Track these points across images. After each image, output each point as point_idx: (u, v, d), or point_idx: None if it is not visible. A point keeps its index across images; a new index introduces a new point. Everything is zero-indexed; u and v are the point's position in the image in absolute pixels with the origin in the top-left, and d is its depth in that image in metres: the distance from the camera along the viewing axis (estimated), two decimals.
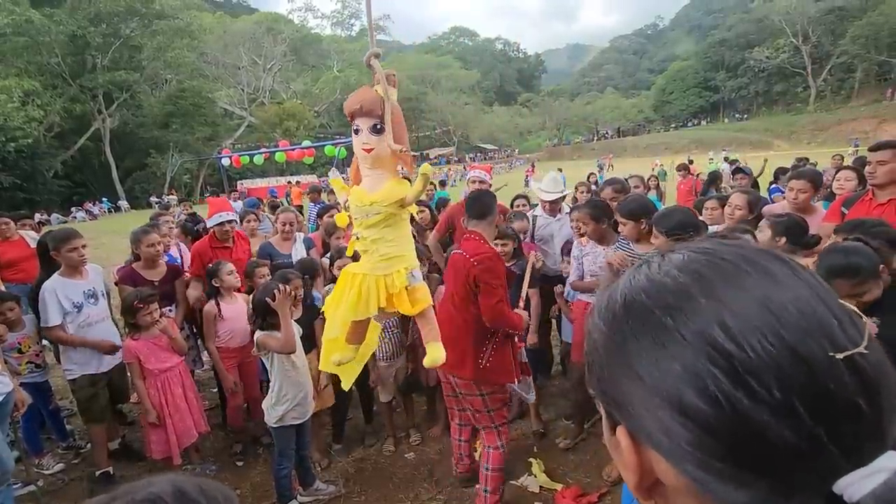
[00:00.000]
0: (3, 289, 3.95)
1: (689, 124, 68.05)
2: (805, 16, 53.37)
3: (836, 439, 0.34)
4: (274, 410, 2.78)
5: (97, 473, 3.25)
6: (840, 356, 0.35)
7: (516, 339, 2.75)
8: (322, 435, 3.49)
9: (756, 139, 49.89)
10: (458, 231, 4.11)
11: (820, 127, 49.25)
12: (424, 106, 62.37)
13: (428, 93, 63.63)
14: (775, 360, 0.34)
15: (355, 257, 2.12)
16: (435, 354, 1.93)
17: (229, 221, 3.89)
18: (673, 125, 69.38)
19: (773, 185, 6.69)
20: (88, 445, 3.64)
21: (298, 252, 4.16)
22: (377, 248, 1.90)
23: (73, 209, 31.31)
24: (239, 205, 7.73)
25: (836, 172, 3.84)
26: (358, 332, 2.09)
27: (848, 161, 7.96)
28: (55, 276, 3.22)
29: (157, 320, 3.13)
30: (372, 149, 1.83)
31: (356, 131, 1.85)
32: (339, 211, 4.91)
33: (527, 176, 22.30)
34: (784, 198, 3.80)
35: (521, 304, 2.87)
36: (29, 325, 3.40)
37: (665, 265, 0.43)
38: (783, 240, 2.94)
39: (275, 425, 2.80)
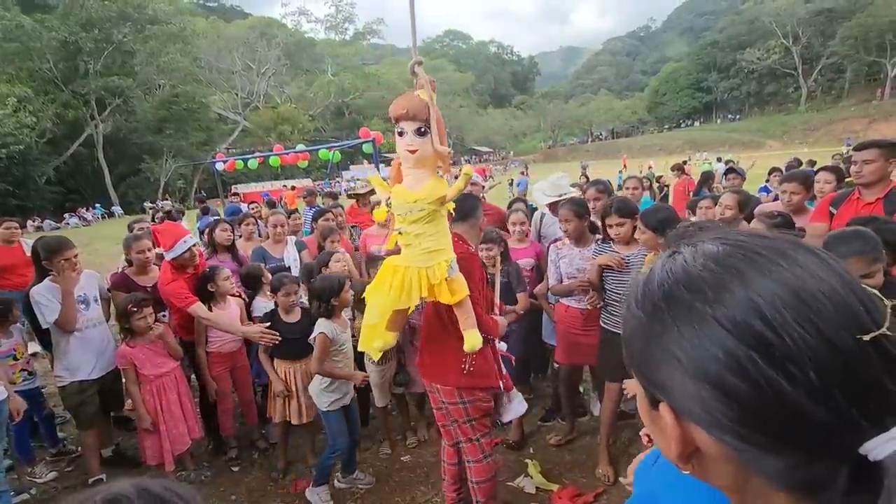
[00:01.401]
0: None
1: (683, 125, 68.52)
2: (795, 17, 53.94)
3: (867, 415, 0.37)
4: (323, 395, 2.92)
5: (90, 481, 3.22)
6: (867, 338, 0.38)
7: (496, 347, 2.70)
8: (318, 438, 3.47)
9: (749, 139, 50.31)
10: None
11: (811, 127, 49.72)
12: None
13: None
14: (812, 348, 0.37)
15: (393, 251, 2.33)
16: (473, 340, 2.12)
17: (194, 245, 3.44)
18: (667, 126, 69.85)
19: (764, 185, 6.74)
20: (80, 449, 3.60)
21: (290, 255, 4.16)
22: (419, 242, 2.03)
23: (66, 215, 31.09)
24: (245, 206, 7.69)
25: (815, 173, 3.84)
26: (398, 320, 2.27)
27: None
28: (46, 280, 3.19)
29: (152, 325, 3.11)
30: (416, 150, 1.95)
31: (400, 133, 1.96)
32: (337, 216, 4.93)
33: (511, 180, 22.23)
34: (770, 197, 3.85)
35: (497, 310, 2.84)
36: (17, 334, 3.38)
37: (699, 257, 0.45)
38: (743, 215, 3.24)
39: (325, 409, 2.93)
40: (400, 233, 2.07)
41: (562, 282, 3.23)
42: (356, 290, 3.13)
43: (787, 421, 0.38)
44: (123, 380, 3.58)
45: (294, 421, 3.22)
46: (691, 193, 7.13)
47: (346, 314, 3.22)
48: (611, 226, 2.89)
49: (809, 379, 0.37)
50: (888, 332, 0.38)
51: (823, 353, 0.37)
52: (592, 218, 3.42)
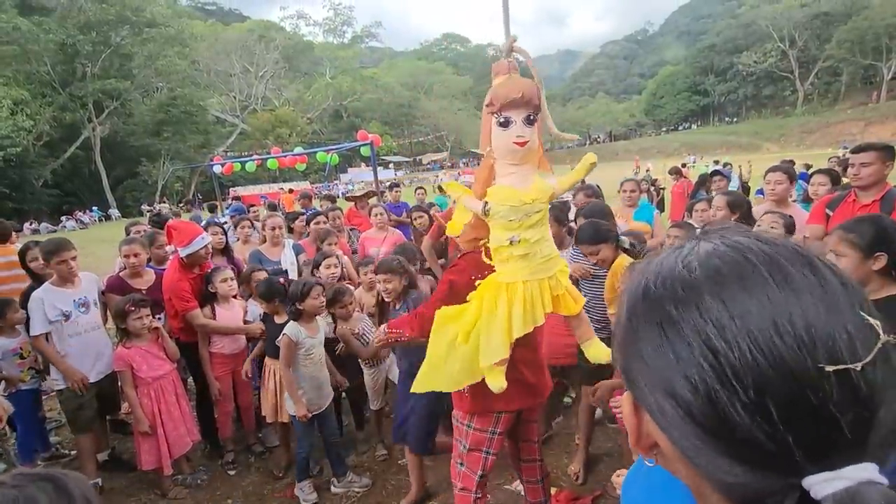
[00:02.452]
0: None
1: (681, 128, 68.78)
2: (791, 21, 54.27)
3: (804, 445, 0.36)
4: (289, 401, 2.98)
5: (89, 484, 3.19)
6: (830, 369, 0.35)
7: None
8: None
9: (746, 142, 50.52)
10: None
11: (808, 130, 49.96)
12: (417, 112, 62.53)
13: (420, 99, 63.85)
14: (758, 364, 0.36)
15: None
16: (597, 350, 1.92)
17: (208, 244, 3.51)
18: (664, 129, 70.11)
19: (760, 189, 6.78)
20: (73, 452, 3.58)
21: (287, 258, 4.15)
22: (539, 250, 1.77)
23: (63, 218, 31.02)
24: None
25: (810, 177, 3.91)
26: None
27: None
28: (46, 284, 3.20)
29: (149, 326, 3.10)
30: (527, 141, 1.69)
31: (505, 124, 1.67)
32: (334, 218, 4.91)
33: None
34: (765, 199, 3.87)
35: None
36: (24, 333, 3.36)
37: (690, 255, 0.44)
38: (735, 216, 3.22)
39: (293, 414, 2.96)
40: (511, 243, 1.74)
41: None
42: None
43: (723, 434, 0.38)
44: (120, 383, 3.58)
45: (286, 420, 3.21)
46: (689, 196, 7.16)
47: (324, 321, 3.22)
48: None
49: (748, 395, 0.36)
50: (858, 368, 0.36)
51: (770, 372, 0.36)
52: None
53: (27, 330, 3.27)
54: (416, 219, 4.81)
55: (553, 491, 2.91)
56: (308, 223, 4.81)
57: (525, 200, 1.71)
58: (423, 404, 2.72)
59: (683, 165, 11.90)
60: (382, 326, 2.26)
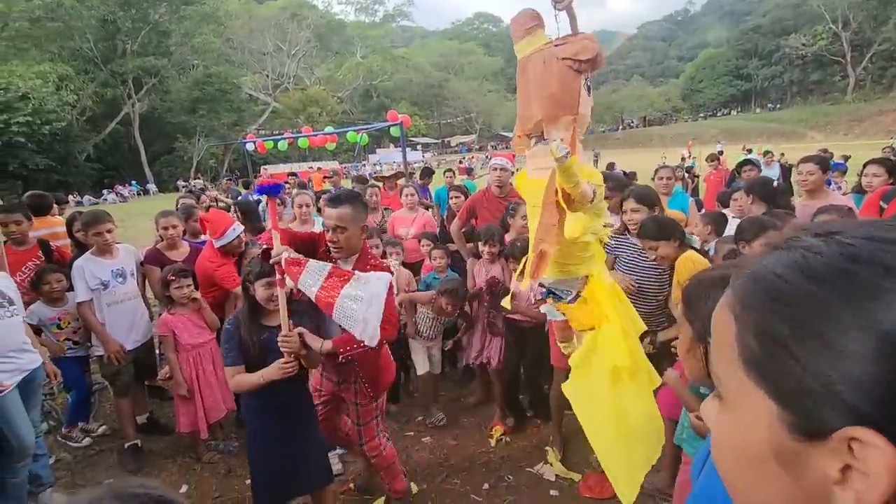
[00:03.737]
0: None
1: (719, 114, 66.08)
2: (846, 1, 50.95)
3: None
4: None
5: (126, 445, 3.37)
6: None
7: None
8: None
9: (789, 130, 48.21)
10: (480, 219, 4.10)
11: (857, 118, 47.28)
12: (447, 93, 61.87)
13: (451, 79, 63.09)
14: None
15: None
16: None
17: (242, 232, 3.54)
18: (701, 115, 67.49)
19: None
20: (101, 429, 3.74)
21: None
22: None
23: (103, 191, 32.22)
24: None
25: (864, 167, 3.73)
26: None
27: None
28: (86, 254, 3.34)
29: (190, 295, 3.22)
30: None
31: (589, 89, 1.52)
32: (372, 195, 4.96)
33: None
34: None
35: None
36: (71, 301, 3.50)
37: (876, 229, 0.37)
38: (752, 197, 3.30)
39: None
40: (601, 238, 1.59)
41: None
42: None
43: None
44: (157, 350, 3.73)
45: None
46: (726, 185, 6.92)
47: None
48: (625, 211, 2.79)
49: None
50: None
51: None
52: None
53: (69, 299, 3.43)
54: (452, 198, 4.83)
55: (576, 478, 2.93)
56: None
57: (601, 181, 1.53)
58: None
59: (720, 153, 11.48)
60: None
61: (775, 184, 3.81)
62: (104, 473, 3.28)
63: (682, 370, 2.13)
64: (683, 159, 19.82)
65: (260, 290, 2.21)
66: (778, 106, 62.50)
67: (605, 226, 1.55)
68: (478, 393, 3.88)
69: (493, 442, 3.29)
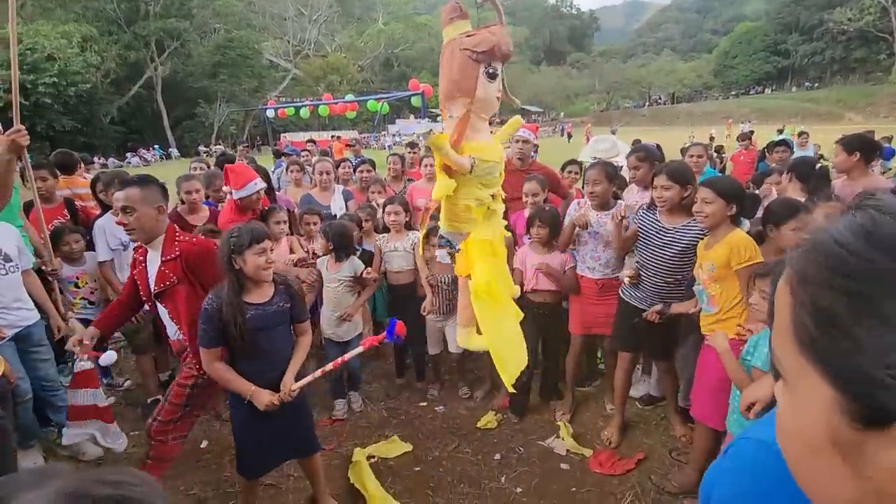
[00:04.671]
0: None
1: (752, 92, 63.44)
2: None
3: None
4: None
5: (149, 400, 3.49)
6: None
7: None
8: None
9: (826, 111, 46.15)
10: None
11: None
12: None
13: None
14: None
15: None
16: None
17: (262, 189, 3.52)
18: (733, 92, 64.88)
19: None
20: (126, 383, 3.91)
21: (337, 203, 4.20)
22: (499, 207, 1.84)
23: (127, 154, 32.73)
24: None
25: None
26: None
27: None
28: (108, 213, 3.40)
29: None
30: (497, 97, 1.70)
31: (493, 76, 1.65)
32: (372, 165, 4.92)
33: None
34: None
35: None
36: (89, 261, 3.57)
37: None
38: (791, 175, 3.25)
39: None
40: (482, 203, 1.73)
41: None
42: None
43: None
44: None
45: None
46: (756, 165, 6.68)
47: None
48: (656, 187, 2.67)
49: None
50: None
51: None
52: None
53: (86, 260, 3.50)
54: None
55: (587, 453, 2.94)
56: (355, 170, 4.88)
57: (498, 158, 1.74)
58: None
59: (752, 133, 11.03)
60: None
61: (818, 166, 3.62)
62: (129, 425, 3.39)
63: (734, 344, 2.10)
64: (712, 138, 19.16)
65: (252, 259, 2.09)
66: (816, 85, 59.61)
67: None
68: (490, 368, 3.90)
69: (493, 423, 3.28)
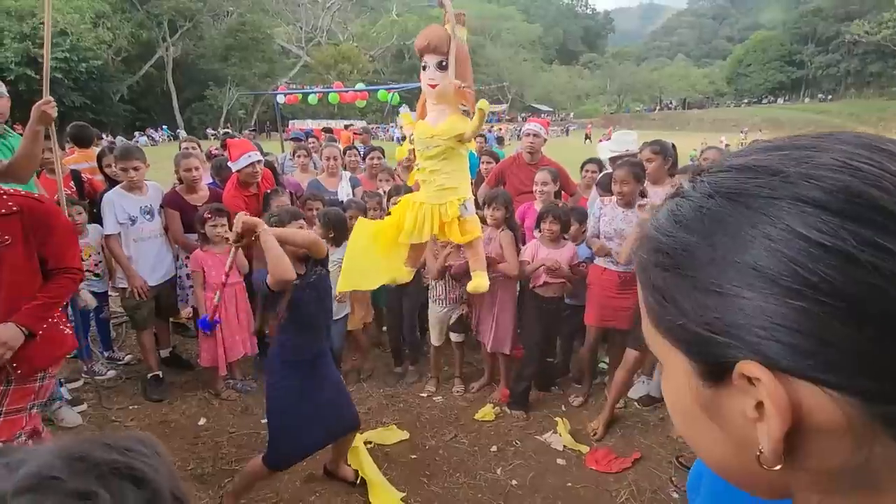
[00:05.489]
0: None
1: (764, 101, 63.05)
2: None
3: None
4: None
5: (149, 376, 3.50)
6: None
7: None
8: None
9: (838, 123, 45.80)
10: (509, 185, 4.01)
11: None
12: (480, 59, 60.12)
13: (486, 45, 61.25)
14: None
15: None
16: (478, 282, 2.27)
17: (258, 162, 3.53)
18: (745, 101, 64.50)
19: None
20: (127, 357, 3.93)
21: (344, 189, 4.19)
22: (434, 179, 2.11)
23: (136, 133, 32.72)
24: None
25: None
26: (415, 256, 2.40)
27: None
28: (117, 188, 3.40)
29: (222, 234, 3.26)
30: (436, 84, 2.00)
31: (424, 67, 2.01)
32: (382, 153, 4.91)
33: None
34: None
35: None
36: (92, 234, 3.58)
37: (758, 152, 0.36)
38: None
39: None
40: (418, 168, 2.16)
41: (598, 238, 3.17)
42: None
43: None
44: (180, 288, 3.77)
45: (351, 328, 3.57)
46: None
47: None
48: (671, 187, 2.73)
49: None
50: None
51: None
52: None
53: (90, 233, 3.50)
54: (483, 163, 4.75)
55: (584, 449, 2.94)
56: (363, 158, 4.90)
57: (427, 135, 2.05)
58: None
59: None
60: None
61: None
62: (129, 399, 3.42)
63: None
64: (727, 146, 19.05)
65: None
66: (829, 97, 59.24)
67: (418, 168, 2.21)
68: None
69: (491, 415, 3.28)
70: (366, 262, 2.39)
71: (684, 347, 0.35)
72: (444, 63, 1.97)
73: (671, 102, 69.51)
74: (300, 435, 2.18)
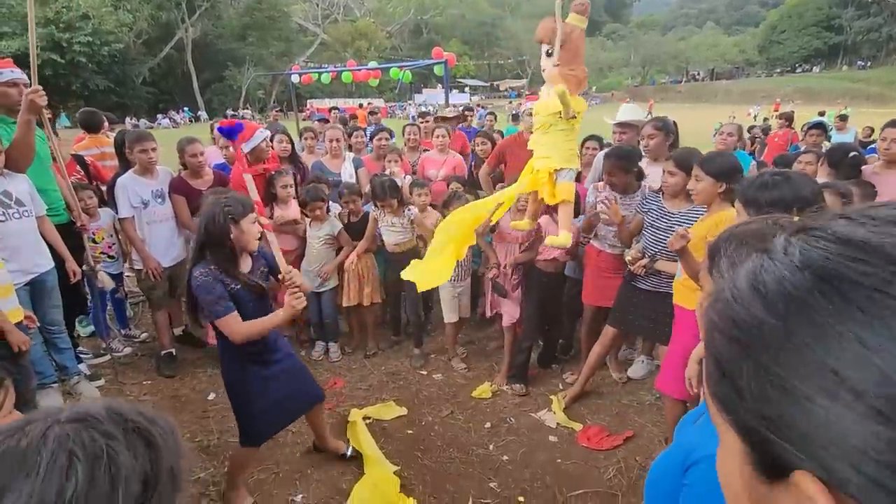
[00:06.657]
0: None
1: (798, 70, 60.04)
2: None
3: None
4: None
5: (162, 353, 3.67)
6: None
7: None
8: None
9: (876, 93, 43.44)
10: (510, 165, 3.99)
11: None
12: (500, 32, 58.72)
13: (506, 18, 59.65)
14: None
15: None
16: (562, 238, 2.54)
17: (266, 138, 3.57)
18: (778, 70, 61.53)
19: (872, 146, 5.94)
20: (143, 335, 4.12)
21: (347, 171, 4.23)
22: (537, 150, 2.54)
23: (158, 115, 33.30)
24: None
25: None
26: (534, 210, 2.88)
27: None
28: (129, 172, 3.51)
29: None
30: (545, 69, 2.40)
31: (549, 54, 2.38)
32: (390, 134, 4.91)
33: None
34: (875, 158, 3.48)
35: None
36: (104, 217, 3.71)
37: (873, 222, 0.29)
38: (823, 160, 3.36)
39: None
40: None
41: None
42: None
43: None
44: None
45: (365, 303, 3.75)
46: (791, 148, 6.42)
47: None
48: (664, 172, 2.73)
49: None
50: None
51: None
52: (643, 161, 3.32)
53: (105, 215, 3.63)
54: (478, 145, 4.68)
55: (577, 427, 2.99)
56: (371, 139, 4.87)
57: (536, 112, 2.51)
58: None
59: (792, 113, 10.52)
60: None
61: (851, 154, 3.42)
62: (143, 375, 3.61)
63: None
64: (754, 119, 18.33)
65: (249, 227, 2.12)
66: (868, 64, 56.02)
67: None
68: (498, 339, 3.95)
69: (488, 393, 3.35)
70: (440, 261, 2.56)
71: (741, 432, 0.32)
72: (549, 51, 2.31)
73: (698, 73, 66.84)
74: (263, 418, 2.26)
